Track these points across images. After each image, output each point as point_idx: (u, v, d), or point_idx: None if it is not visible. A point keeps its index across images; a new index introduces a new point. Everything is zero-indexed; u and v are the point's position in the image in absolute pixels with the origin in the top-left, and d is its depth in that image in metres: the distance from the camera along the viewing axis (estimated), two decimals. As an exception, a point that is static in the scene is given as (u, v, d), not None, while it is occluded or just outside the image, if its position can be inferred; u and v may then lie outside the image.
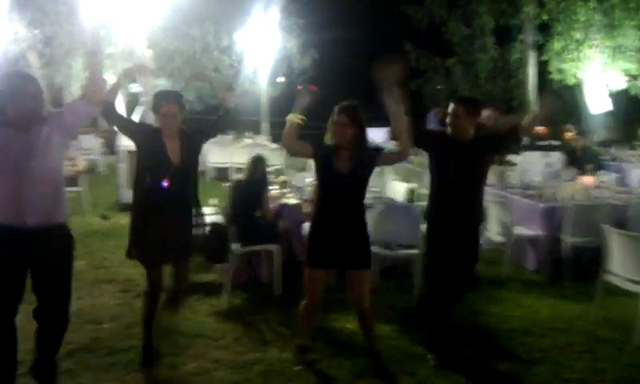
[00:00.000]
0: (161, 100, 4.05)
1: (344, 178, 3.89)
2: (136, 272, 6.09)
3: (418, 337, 4.68)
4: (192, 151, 4.13)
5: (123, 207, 8.62)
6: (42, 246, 3.40)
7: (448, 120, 4.28)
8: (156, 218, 3.96)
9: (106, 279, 5.99)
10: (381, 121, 11.22)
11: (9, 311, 3.42)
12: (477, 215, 4.37)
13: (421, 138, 4.31)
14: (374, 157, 3.97)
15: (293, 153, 4.14)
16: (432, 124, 16.15)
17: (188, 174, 4.09)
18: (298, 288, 5.69)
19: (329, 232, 3.94)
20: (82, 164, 8.83)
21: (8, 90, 3.33)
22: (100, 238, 7.62)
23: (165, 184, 3.92)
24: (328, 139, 3.96)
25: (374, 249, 5.56)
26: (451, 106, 4.28)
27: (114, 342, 4.49)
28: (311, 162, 4.29)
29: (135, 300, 5.33)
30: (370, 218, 5.44)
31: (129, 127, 4.16)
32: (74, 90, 17.34)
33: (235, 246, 5.50)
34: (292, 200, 6.40)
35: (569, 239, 6.21)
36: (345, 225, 3.95)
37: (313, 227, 4.05)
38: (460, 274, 4.32)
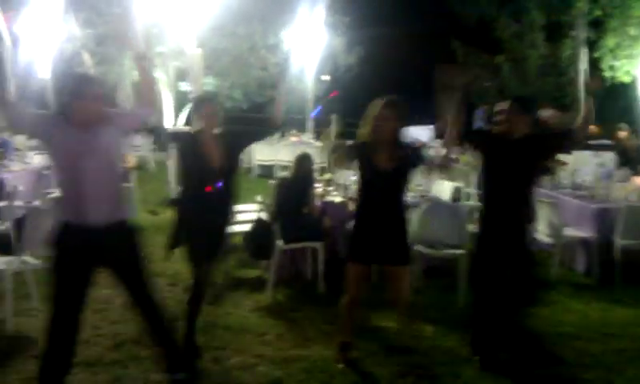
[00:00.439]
0: (202, 102, 4.25)
1: (385, 174, 3.89)
2: (183, 267, 6.22)
3: (463, 338, 4.63)
4: (232, 152, 4.21)
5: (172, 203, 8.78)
6: (109, 243, 3.48)
7: (496, 118, 4.21)
8: (200, 219, 4.09)
9: (155, 273, 6.10)
10: (426, 119, 11.10)
11: (75, 307, 3.50)
12: (527, 215, 4.28)
13: (468, 137, 4.26)
14: (415, 158, 4.00)
15: (346, 168, 4.20)
16: (479, 122, 15.94)
17: (229, 175, 4.18)
18: (341, 286, 5.71)
19: (369, 228, 3.95)
20: (132, 160, 9.05)
21: (70, 90, 3.40)
22: (149, 232, 7.78)
23: (218, 185, 4.03)
24: (363, 133, 3.93)
25: (418, 248, 5.54)
26: (501, 105, 4.21)
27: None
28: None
29: (182, 294, 5.44)
30: (415, 216, 5.42)
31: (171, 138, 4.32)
32: (127, 87, 17.77)
33: (279, 243, 5.55)
34: (337, 198, 6.41)
35: (621, 241, 6.03)
36: (385, 221, 3.95)
37: (355, 223, 4.08)
38: (512, 276, 4.23)
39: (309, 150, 7.00)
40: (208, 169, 4.05)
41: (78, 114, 3.38)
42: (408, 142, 4.07)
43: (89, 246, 3.43)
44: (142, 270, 3.65)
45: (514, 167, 4.12)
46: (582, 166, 9.93)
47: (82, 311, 3.51)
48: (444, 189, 7.52)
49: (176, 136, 4.65)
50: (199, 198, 4.07)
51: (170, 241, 4.24)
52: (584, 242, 6.38)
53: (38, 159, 9.62)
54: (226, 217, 4.24)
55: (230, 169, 4.16)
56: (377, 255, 3.97)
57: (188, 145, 4.15)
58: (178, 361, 3.76)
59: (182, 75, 14.29)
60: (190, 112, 9.71)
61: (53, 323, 3.41)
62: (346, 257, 4.09)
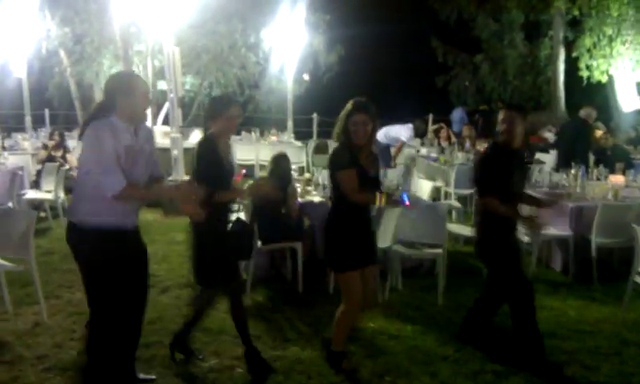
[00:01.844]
0: (229, 103, 4.03)
1: (372, 178, 3.93)
2: (160, 268, 6.17)
3: (441, 337, 4.65)
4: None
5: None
6: (140, 245, 3.52)
7: (500, 127, 4.22)
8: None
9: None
10: (404, 118, 11.15)
11: (137, 308, 3.53)
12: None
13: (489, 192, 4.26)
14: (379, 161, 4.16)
15: None
16: (458, 123, 16.05)
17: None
18: (320, 286, 5.71)
19: (363, 232, 3.96)
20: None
21: (126, 89, 3.32)
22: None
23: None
24: (338, 135, 3.89)
25: (397, 247, 5.56)
26: (504, 113, 4.23)
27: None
28: None
29: (160, 296, 5.39)
30: (394, 216, 5.43)
31: None
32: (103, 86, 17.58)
33: (258, 243, 5.52)
34: (316, 197, 6.39)
35: (597, 240, 6.09)
36: (369, 223, 4.05)
37: (344, 229, 3.94)
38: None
39: (288, 150, 7.00)
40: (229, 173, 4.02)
41: (135, 113, 3.38)
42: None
43: (130, 248, 3.46)
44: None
45: (517, 175, 4.31)
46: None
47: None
48: (423, 188, 7.55)
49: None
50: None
51: None
52: (561, 241, 6.44)
53: (12, 160, 9.48)
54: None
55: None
56: (367, 257, 3.99)
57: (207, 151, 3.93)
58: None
59: (160, 74, 14.19)
60: (167, 111, 9.59)
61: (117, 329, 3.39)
62: (341, 267, 3.95)
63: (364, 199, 3.84)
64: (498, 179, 4.18)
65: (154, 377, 3.92)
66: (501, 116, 4.25)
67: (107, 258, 3.25)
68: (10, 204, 7.73)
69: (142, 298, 3.53)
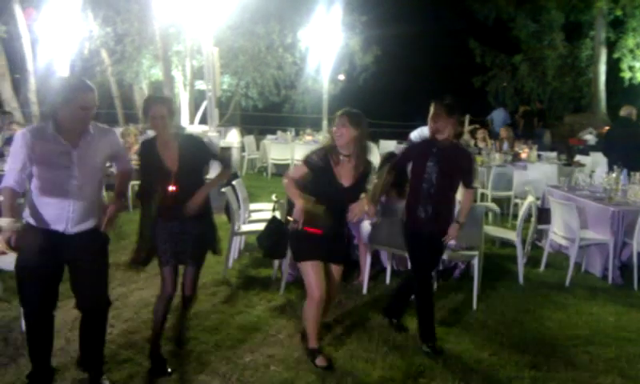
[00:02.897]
0: (151, 103, 4.03)
1: (347, 189, 4.10)
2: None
3: (475, 340, 4.61)
4: (192, 156, 4.04)
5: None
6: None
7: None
8: (164, 222, 3.99)
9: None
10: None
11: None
12: None
13: None
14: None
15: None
16: (499, 125, 15.76)
17: (190, 178, 4.02)
18: (352, 286, 5.71)
19: (326, 229, 4.13)
20: None
21: (62, 100, 3.43)
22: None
23: (170, 189, 3.95)
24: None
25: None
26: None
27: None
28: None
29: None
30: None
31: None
32: (144, 86, 17.92)
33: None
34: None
35: (638, 245, 5.95)
36: (339, 223, 4.23)
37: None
38: None
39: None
40: (164, 172, 3.98)
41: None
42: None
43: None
44: None
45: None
46: (601, 167, 9.81)
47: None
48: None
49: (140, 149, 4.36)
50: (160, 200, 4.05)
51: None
52: (601, 245, 6.31)
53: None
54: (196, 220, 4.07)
55: (188, 172, 4.02)
56: (328, 254, 4.19)
57: (145, 149, 4.11)
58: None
59: (198, 74, 14.39)
60: (205, 109, 9.72)
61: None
62: (296, 256, 4.22)
63: (290, 192, 4.03)
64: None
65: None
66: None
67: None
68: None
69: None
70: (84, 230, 3.54)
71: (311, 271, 4.05)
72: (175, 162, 3.97)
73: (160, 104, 4.02)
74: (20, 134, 3.42)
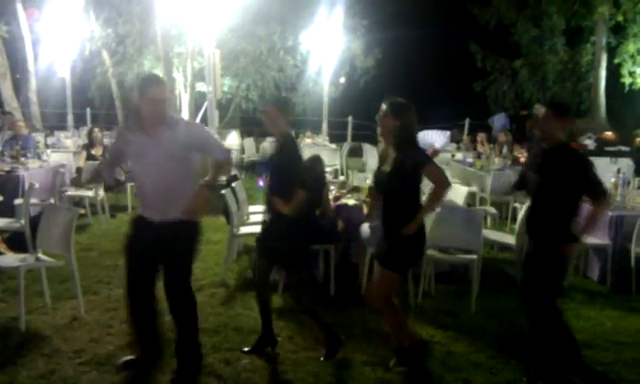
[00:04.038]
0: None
1: (384, 174, 4.16)
2: (195, 266, 6.25)
3: (474, 344, 4.61)
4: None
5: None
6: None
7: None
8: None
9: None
10: (441, 122, 11.06)
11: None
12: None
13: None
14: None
15: None
16: (498, 129, 15.74)
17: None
18: (352, 289, 5.72)
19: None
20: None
21: (138, 94, 3.67)
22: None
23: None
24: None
25: (431, 252, 5.52)
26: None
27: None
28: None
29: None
30: (428, 220, 5.39)
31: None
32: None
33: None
34: (350, 201, 6.38)
35: (637, 249, 5.95)
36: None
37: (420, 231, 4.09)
38: None
39: (323, 153, 7.02)
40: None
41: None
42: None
43: None
44: None
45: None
46: (599, 172, 9.80)
47: None
48: (458, 193, 7.48)
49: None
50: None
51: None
52: (599, 250, 6.31)
53: (54, 157, 9.71)
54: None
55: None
56: None
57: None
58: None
59: (199, 76, 14.40)
60: (205, 111, 9.75)
61: None
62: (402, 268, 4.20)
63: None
64: None
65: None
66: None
67: None
68: (52, 200, 7.95)
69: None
70: (169, 219, 3.72)
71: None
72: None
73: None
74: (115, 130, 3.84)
